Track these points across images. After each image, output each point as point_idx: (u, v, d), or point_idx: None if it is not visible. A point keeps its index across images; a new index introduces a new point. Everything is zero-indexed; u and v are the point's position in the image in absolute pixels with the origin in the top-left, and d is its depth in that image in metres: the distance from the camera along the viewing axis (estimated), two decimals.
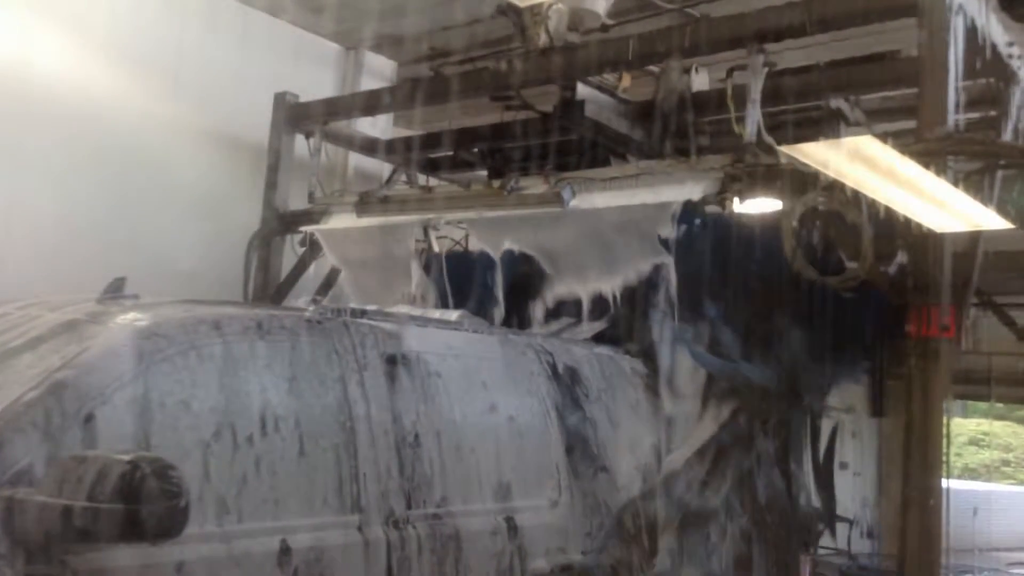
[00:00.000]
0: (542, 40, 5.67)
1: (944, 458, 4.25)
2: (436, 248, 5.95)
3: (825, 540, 6.38)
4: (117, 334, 2.92)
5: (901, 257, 4.51)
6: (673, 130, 5.75)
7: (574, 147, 6.23)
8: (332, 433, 3.24)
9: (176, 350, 2.93)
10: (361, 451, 3.29)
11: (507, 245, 5.59)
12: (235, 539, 2.84)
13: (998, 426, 20.72)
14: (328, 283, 6.81)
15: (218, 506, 2.83)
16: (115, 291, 3.32)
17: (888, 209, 4.03)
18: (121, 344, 2.87)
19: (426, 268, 5.95)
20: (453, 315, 4.39)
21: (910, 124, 4.70)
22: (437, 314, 4.47)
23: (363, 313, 3.77)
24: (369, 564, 3.17)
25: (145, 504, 2.38)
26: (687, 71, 5.88)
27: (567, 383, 4.32)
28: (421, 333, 3.88)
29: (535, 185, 5.57)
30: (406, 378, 3.59)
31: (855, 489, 6.50)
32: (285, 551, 2.93)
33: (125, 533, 2.39)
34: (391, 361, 3.56)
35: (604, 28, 5.95)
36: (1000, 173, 4.45)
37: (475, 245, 5.87)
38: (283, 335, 3.29)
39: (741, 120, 5.01)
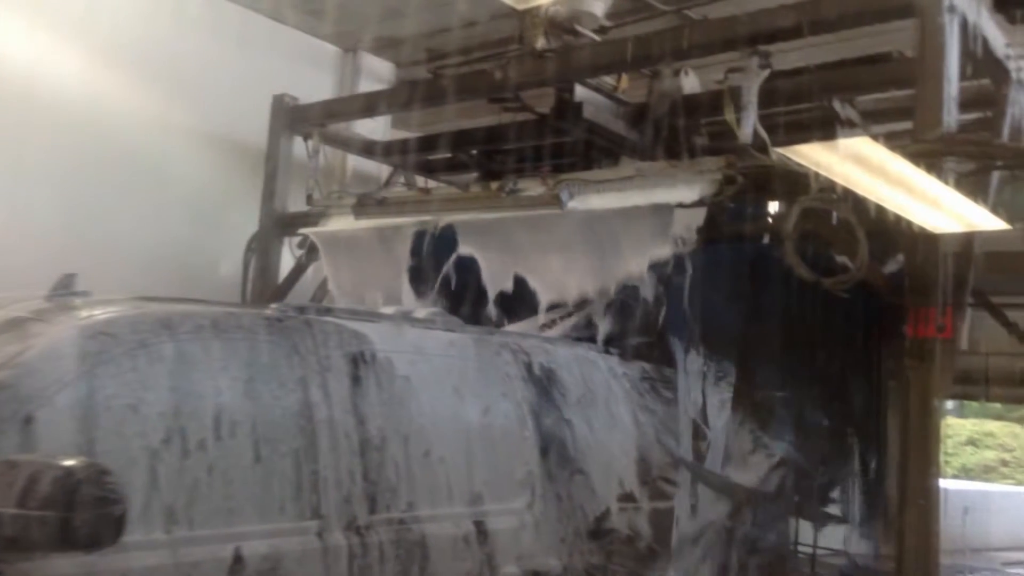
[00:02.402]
0: (540, 42, 5.68)
1: (943, 459, 4.26)
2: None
3: (824, 540, 6.42)
4: (61, 332, 2.78)
5: (898, 258, 4.52)
6: (665, 135, 5.78)
7: (573, 149, 6.24)
8: (291, 437, 3.11)
9: (123, 350, 2.79)
10: (322, 455, 3.15)
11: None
12: (184, 547, 2.73)
13: (996, 426, 20.73)
14: (326, 286, 6.80)
15: (166, 513, 2.72)
16: (65, 287, 3.18)
17: (885, 210, 4.04)
18: (65, 343, 2.72)
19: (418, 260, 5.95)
20: (424, 312, 4.24)
21: (907, 126, 4.71)
22: (410, 311, 4.33)
23: (328, 311, 3.63)
24: (329, 571, 3.06)
25: (78, 511, 2.27)
26: (678, 73, 5.90)
27: (544, 384, 4.17)
28: (389, 332, 3.73)
29: (533, 187, 5.57)
30: (372, 379, 3.44)
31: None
32: (238, 559, 2.82)
33: (57, 542, 2.28)
34: (356, 361, 3.42)
35: (602, 30, 5.97)
36: (996, 174, 4.47)
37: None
38: (240, 334, 3.15)
39: (739, 121, 5.02)
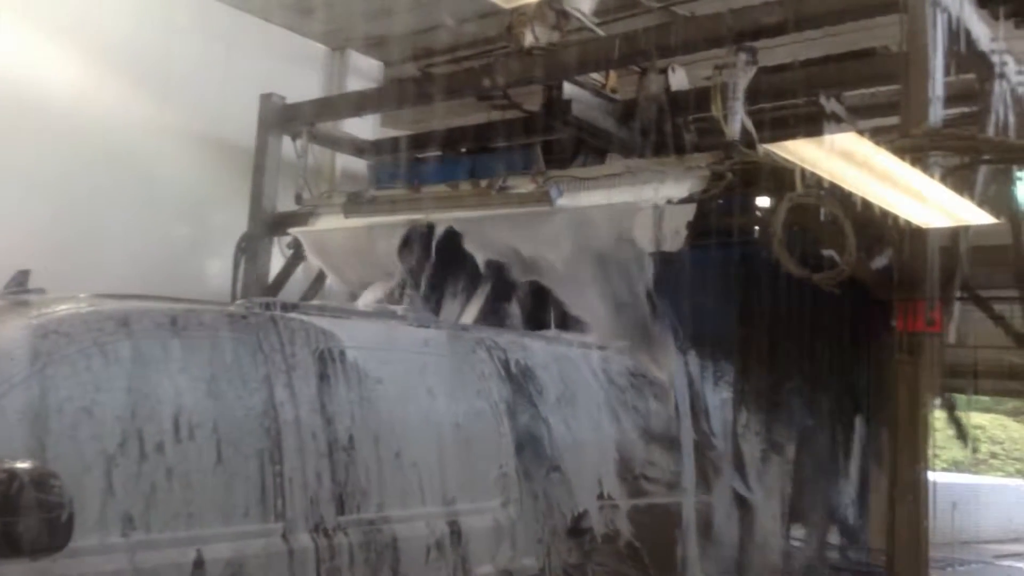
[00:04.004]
0: (528, 40, 5.69)
1: (933, 451, 4.28)
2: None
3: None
4: (10, 331, 2.67)
5: (887, 252, 4.54)
6: (654, 138, 5.80)
7: (562, 146, 6.25)
8: (254, 438, 3.01)
9: (76, 349, 2.67)
10: (287, 456, 3.06)
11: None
12: (142, 551, 2.64)
13: (985, 419, 20.85)
14: (316, 285, 6.80)
15: (123, 517, 2.63)
16: (18, 285, 3.10)
17: (873, 205, 4.06)
18: (14, 342, 2.61)
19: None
20: (398, 307, 4.15)
21: (894, 121, 4.73)
22: (383, 307, 4.24)
23: (294, 307, 3.53)
24: (294, 574, 3.00)
25: (22, 517, 2.23)
26: (663, 71, 5.92)
27: (520, 380, 4.07)
28: (359, 328, 3.62)
29: (523, 184, 5.58)
30: (341, 377, 3.33)
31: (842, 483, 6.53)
32: (199, 563, 2.74)
33: (1, 548, 2.24)
34: (323, 359, 3.30)
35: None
36: (983, 168, 4.49)
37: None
38: (201, 331, 3.04)
39: (727, 118, 5.03)
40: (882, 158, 3.60)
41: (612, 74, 6.31)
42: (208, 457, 2.88)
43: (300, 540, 3.04)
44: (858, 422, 6.03)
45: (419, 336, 3.84)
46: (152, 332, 2.90)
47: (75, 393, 2.63)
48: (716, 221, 5.01)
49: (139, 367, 2.81)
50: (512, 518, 3.77)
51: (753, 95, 5.03)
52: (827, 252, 4.67)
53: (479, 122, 6.85)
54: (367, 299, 6.10)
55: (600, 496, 4.18)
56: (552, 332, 4.96)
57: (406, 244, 5.89)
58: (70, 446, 2.57)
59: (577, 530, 4.02)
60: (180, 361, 2.92)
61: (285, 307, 3.46)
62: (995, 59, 4.89)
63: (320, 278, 6.80)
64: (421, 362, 3.72)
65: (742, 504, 4.99)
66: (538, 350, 4.34)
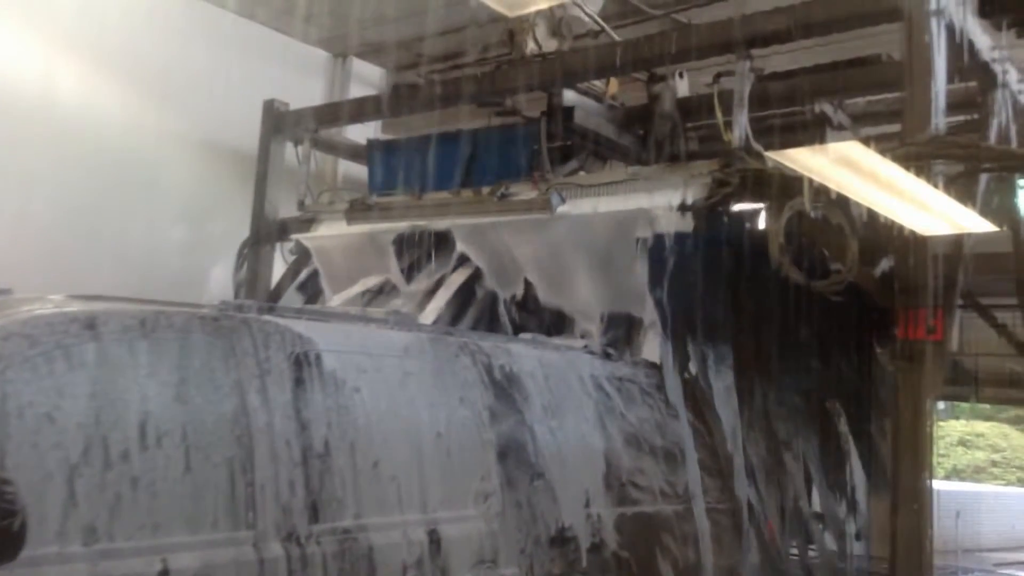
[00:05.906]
0: (530, 47, 5.70)
1: (935, 460, 4.27)
2: None
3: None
4: None
5: (887, 260, 4.55)
6: (668, 152, 5.81)
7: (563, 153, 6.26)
8: (225, 444, 2.91)
9: (38, 351, 2.58)
10: (259, 463, 2.96)
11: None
12: (104, 561, 2.55)
13: (986, 427, 20.84)
14: (317, 290, 6.80)
15: (84, 526, 2.54)
16: None
17: (874, 213, 4.06)
18: None
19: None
20: (380, 311, 4.07)
21: (897, 128, 4.73)
22: (363, 310, 4.16)
23: (270, 309, 3.44)
24: None
25: None
26: (672, 76, 5.93)
27: (504, 386, 3.96)
28: (337, 332, 3.52)
29: (524, 191, 5.59)
30: (316, 382, 3.23)
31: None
32: (164, 573, 2.66)
33: None
34: (299, 363, 3.19)
35: (593, 34, 5.99)
36: (984, 176, 4.50)
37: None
38: (170, 334, 2.93)
39: (729, 125, 5.04)
40: (883, 166, 3.60)
41: (613, 81, 6.32)
42: (176, 464, 2.78)
43: (271, 549, 2.95)
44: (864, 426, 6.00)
45: (400, 340, 3.74)
46: (119, 335, 2.79)
47: (37, 398, 2.54)
48: (722, 225, 5.01)
49: (105, 371, 2.72)
50: (493, 527, 3.67)
51: (756, 102, 5.03)
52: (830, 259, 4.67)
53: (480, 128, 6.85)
54: (355, 289, 6.14)
55: (586, 505, 4.08)
56: (540, 336, 4.93)
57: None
58: (30, 452, 2.48)
59: (561, 539, 3.92)
60: (148, 365, 2.82)
61: (260, 309, 3.38)
62: (997, 68, 4.90)
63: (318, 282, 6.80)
64: (401, 367, 3.62)
65: (751, 510, 4.95)
66: (523, 355, 4.23)
